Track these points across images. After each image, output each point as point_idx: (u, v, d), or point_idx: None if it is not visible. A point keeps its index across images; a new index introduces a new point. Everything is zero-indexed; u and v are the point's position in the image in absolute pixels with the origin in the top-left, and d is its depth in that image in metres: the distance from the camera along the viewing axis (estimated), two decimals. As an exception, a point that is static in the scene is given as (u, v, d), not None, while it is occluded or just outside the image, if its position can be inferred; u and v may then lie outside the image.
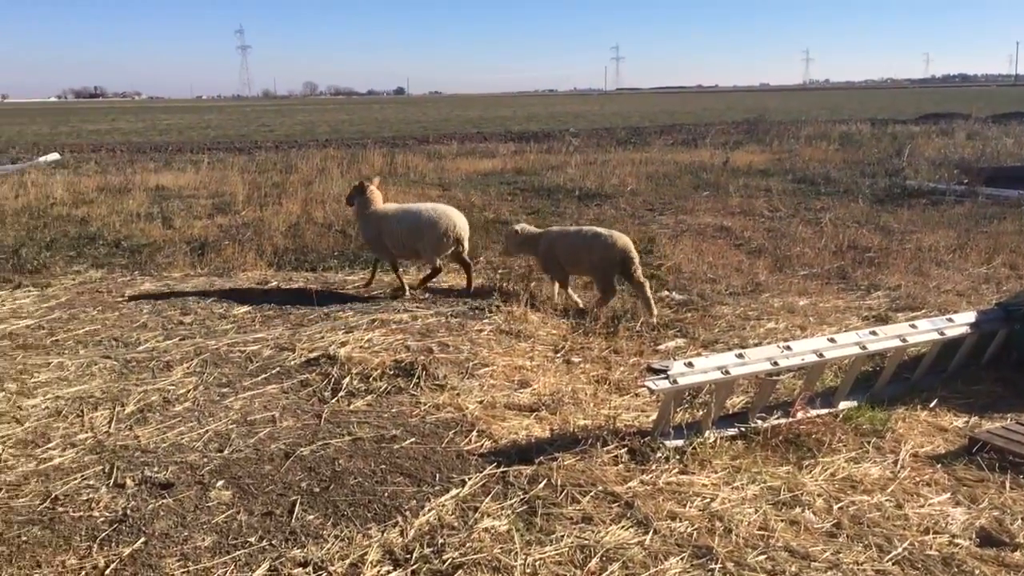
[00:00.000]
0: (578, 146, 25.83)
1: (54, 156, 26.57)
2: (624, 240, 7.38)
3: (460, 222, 7.82)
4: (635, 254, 7.36)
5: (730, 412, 4.95)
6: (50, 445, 4.50)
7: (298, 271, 9.23)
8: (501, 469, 4.19)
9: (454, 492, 3.98)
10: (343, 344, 6.14)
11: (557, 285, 7.73)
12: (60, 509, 3.78)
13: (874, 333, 5.11)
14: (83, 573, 3.29)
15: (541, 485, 4.02)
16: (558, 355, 6.18)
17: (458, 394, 5.25)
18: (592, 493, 3.94)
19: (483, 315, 7.02)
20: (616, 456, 4.34)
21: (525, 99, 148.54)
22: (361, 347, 6.07)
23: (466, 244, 7.96)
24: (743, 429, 4.69)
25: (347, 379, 5.43)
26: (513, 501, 3.88)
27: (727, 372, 4.52)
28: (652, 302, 7.20)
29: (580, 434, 4.56)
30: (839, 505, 3.91)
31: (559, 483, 4.03)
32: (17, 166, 23.37)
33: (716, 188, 15.39)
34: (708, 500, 3.91)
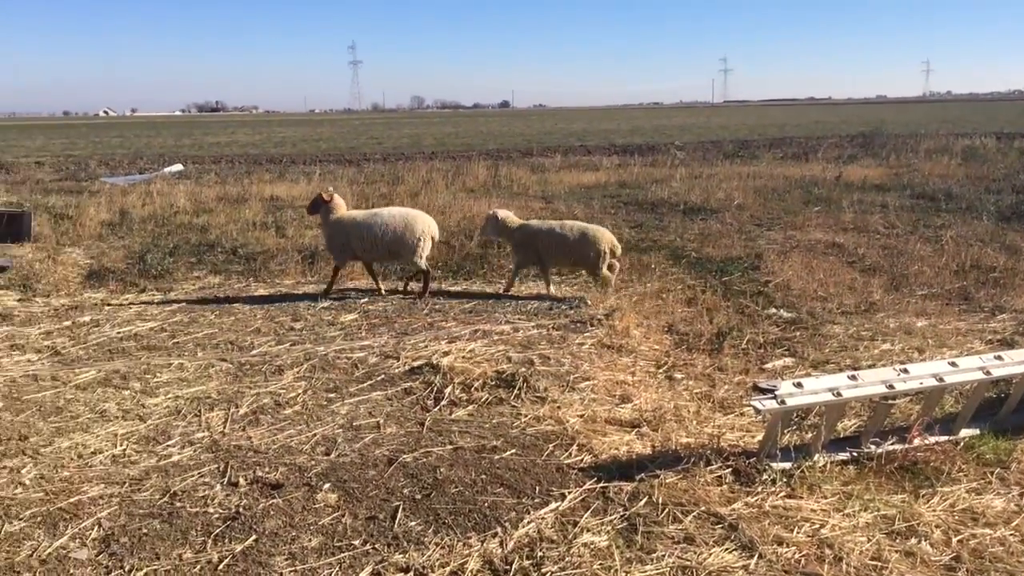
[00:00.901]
0: (683, 159, 25.49)
1: (178, 167, 27.98)
2: (608, 234, 8.46)
3: (431, 224, 8.45)
4: (618, 245, 8.46)
5: (841, 436, 4.77)
6: (170, 442, 4.72)
7: (401, 280, 9.42)
8: (601, 484, 4.16)
9: (554, 505, 3.97)
10: (446, 354, 6.22)
11: (515, 268, 8.73)
12: (178, 504, 3.96)
13: (999, 358, 4.83)
14: (198, 567, 3.43)
15: (642, 502, 3.96)
16: (660, 371, 6.09)
17: (559, 407, 5.24)
18: (695, 513, 3.87)
19: (584, 328, 7.00)
20: (720, 476, 4.24)
21: (630, 112, 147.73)
22: (463, 357, 6.14)
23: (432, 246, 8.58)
24: (855, 454, 4.51)
25: (449, 388, 5.50)
26: (613, 517, 3.84)
27: (839, 394, 4.36)
28: (612, 282, 8.43)
29: (682, 452, 4.48)
30: (959, 538, 3.71)
31: (660, 501, 3.97)
32: (144, 176, 24.72)
33: (828, 203, 14.90)
34: (817, 526, 3.78)
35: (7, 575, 3.37)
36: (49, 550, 3.56)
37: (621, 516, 3.86)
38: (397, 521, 3.80)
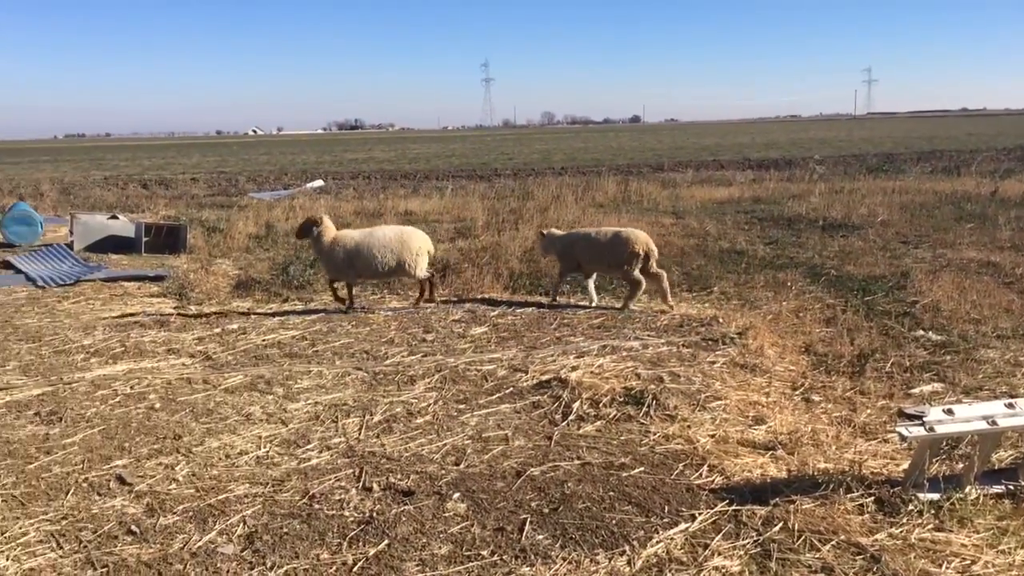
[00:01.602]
0: (823, 174, 24.59)
1: (319, 183, 29.26)
2: (644, 236, 8.53)
3: (427, 239, 8.80)
4: (654, 248, 8.51)
5: (996, 467, 4.46)
6: (309, 446, 4.92)
7: (532, 295, 9.49)
8: (733, 507, 4.04)
9: (683, 526, 3.89)
10: (574, 368, 6.22)
11: (558, 276, 9.13)
12: (316, 506, 4.12)
13: None
14: (334, 567, 3.55)
15: (776, 528, 3.83)
16: (797, 392, 5.88)
17: (689, 426, 5.14)
18: (833, 542, 3.70)
19: (716, 347, 6.84)
20: (861, 505, 4.05)
21: (765, 125, 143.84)
22: (592, 372, 6.12)
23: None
24: (1012, 487, 4.21)
25: (577, 403, 5.49)
26: (746, 542, 3.73)
27: (994, 423, 4.08)
28: (668, 292, 8.46)
29: (820, 478, 4.30)
30: None
31: (796, 528, 3.82)
32: (288, 191, 25.96)
33: (982, 220, 14.02)
34: (968, 562, 3.54)
35: (161, 565, 3.60)
36: (199, 544, 3.77)
37: (754, 541, 3.73)
38: (525, 534, 3.81)
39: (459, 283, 10.09)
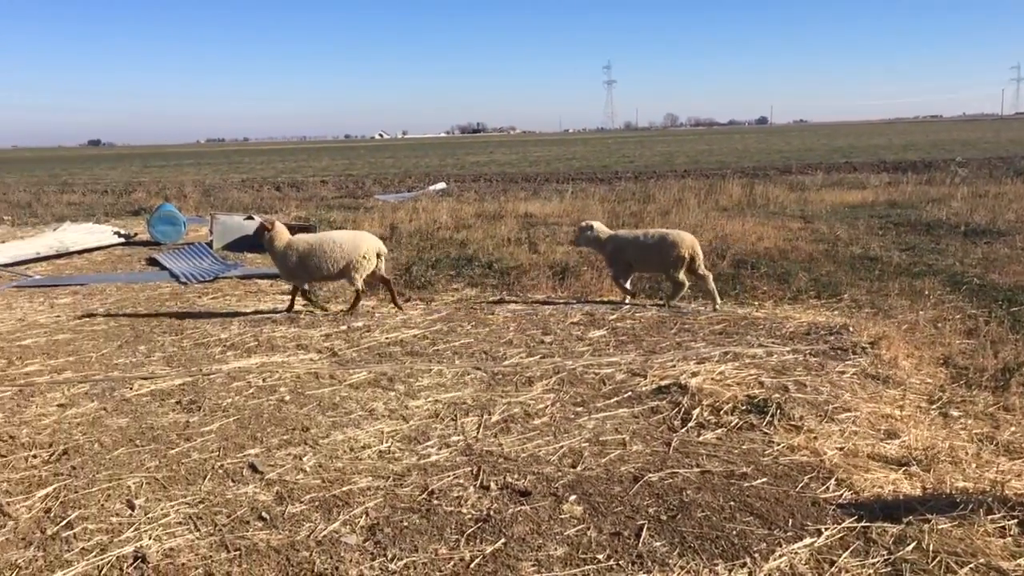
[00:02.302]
0: (965, 177, 23.24)
1: (441, 185, 29.83)
2: (689, 238, 8.76)
3: (377, 243, 8.95)
4: (700, 251, 8.75)
5: None
6: (429, 443, 5.02)
7: (651, 299, 9.38)
8: (863, 524, 3.86)
9: (808, 541, 3.75)
10: (694, 375, 6.10)
11: (614, 278, 9.24)
12: (435, 502, 4.20)
13: None
14: (451, 563, 3.61)
15: (909, 547, 3.64)
16: (933, 407, 5.57)
17: (815, 437, 4.95)
18: (971, 565, 3.48)
19: (846, 356, 6.57)
20: (1003, 527, 3.80)
21: (902, 126, 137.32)
22: (713, 379, 5.99)
23: (383, 263, 9.01)
24: None
25: (697, 410, 5.39)
26: (876, 560, 3.56)
27: None
28: (716, 293, 8.67)
29: (958, 497, 4.06)
30: None
31: (931, 548, 3.62)
32: (412, 194, 26.59)
33: None
34: None
35: (289, 551, 3.75)
36: (324, 532, 3.91)
37: (884, 560, 3.56)
38: (642, 540, 3.77)
39: (577, 286, 10.08)
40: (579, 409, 5.58)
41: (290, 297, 9.24)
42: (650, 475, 4.46)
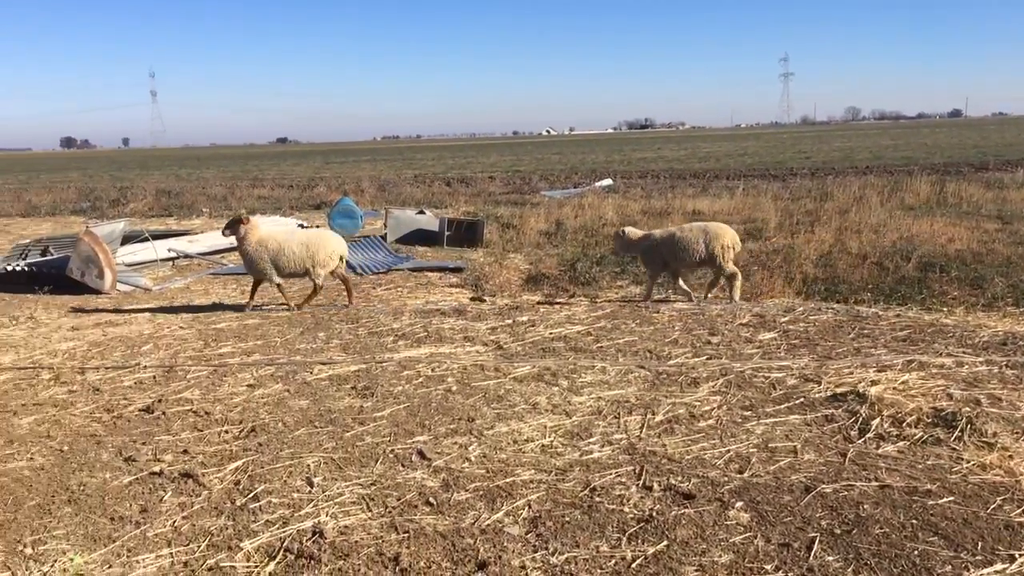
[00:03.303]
0: None
1: (607, 181, 29.76)
2: (728, 230, 9.10)
3: (341, 245, 9.39)
4: (739, 243, 9.13)
5: None
6: (591, 440, 5.01)
7: (827, 301, 8.95)
8: (1065, 554, 3.52)
9: (999, 567, 3.45)
10: (873, 383, 5.76)
11: (649, 278, 9.67)
12: (597, 499, 4.19)
13: None
14: (612, 561, 3.58)
15: (1122, 585, 3.28)
16: None
17: (1010, 456, 4.55)
18: None
19: (1049, 369, 6.00)
20: None
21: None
22: (895, 388, 5.64)
23: (343, 263, 9.48)
24: None
25: (876, 420, 5.09)
26: (1080, 596, 3.23)
27: None
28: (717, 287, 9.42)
29: None
30: None
31: None
32: (578, 190, 26.67)
33: None
34: None
35: (454, 536, 3.85)
36: (488, 521, 3.99)
37: (1091, 596, 3.23)
38: (813, 553, 3.60)
39: (747, 286, 9.78)
40: (747, 413, 5.40)
41: (251, 291, 9.55)
42: (823, 486, 4.25)
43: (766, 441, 4.90)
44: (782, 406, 5.49)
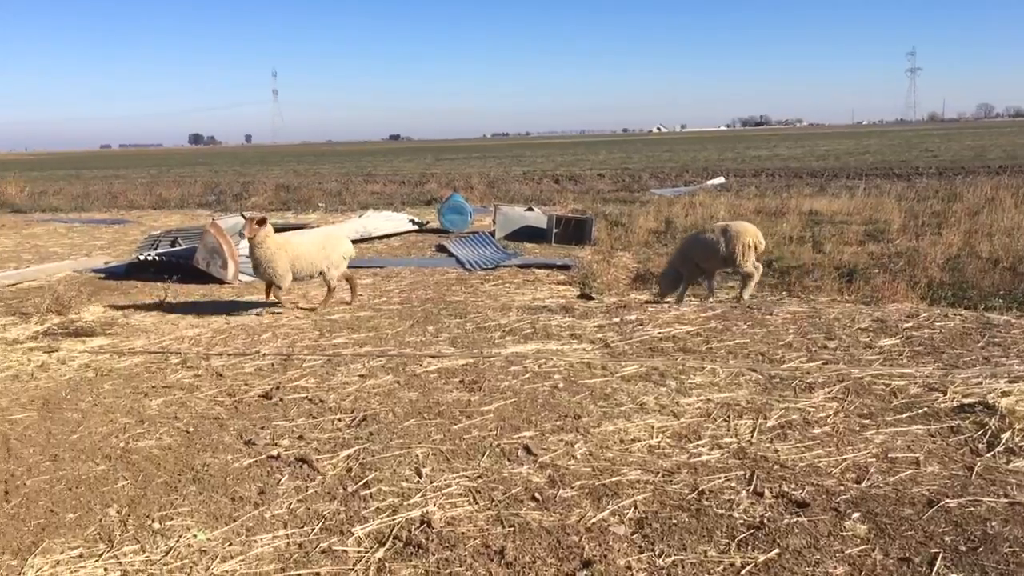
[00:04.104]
0: None
1: (719, 180, 29.17)
2: (751, 228, 9.14)
3: (349, 243, 9.53)
4: (763, 241, 9.15)
5: None
6: (700, 442, 4.92)
7: (954, 307, 8.51)
8: None
9: None
10: (1004, 394, 5.44)
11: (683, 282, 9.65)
12: (705, 503, 4.11)
13: None
14: (721, 567, 3.51)
15: None
16: None
17: None
18: None
19: None
20: None
21: None
22: (1028, 401, 5.30)
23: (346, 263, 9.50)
24: None
25: (1007, 434, 4.80)
26: None
27: None
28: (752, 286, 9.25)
29: None
30: None
31: None
32: (689, 188, 26.25)
33: None
34: None
35: (559, 533, 3.85)
36: (593, 520, 3.97)
37: None
38: (936, 570, 3.42)
39: (867, 289, 9.41)
40: (865, 421, 5.18)
41: (269, 295, 9.31)
42: (947, 500, 4.04)
43: (886, 451, 4.70)
44: (904, 415, 5.25)
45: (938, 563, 3.47)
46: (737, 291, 9.52)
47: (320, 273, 9.26)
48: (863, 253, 12.03)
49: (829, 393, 5.72)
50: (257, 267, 8.88)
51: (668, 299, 9.53)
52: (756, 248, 9.07)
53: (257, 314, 9.09)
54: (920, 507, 3.99)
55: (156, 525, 4.10)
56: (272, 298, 9.25)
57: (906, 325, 7.53)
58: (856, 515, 3.92)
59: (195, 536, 3.96)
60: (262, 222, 8.89)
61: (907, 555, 3.55)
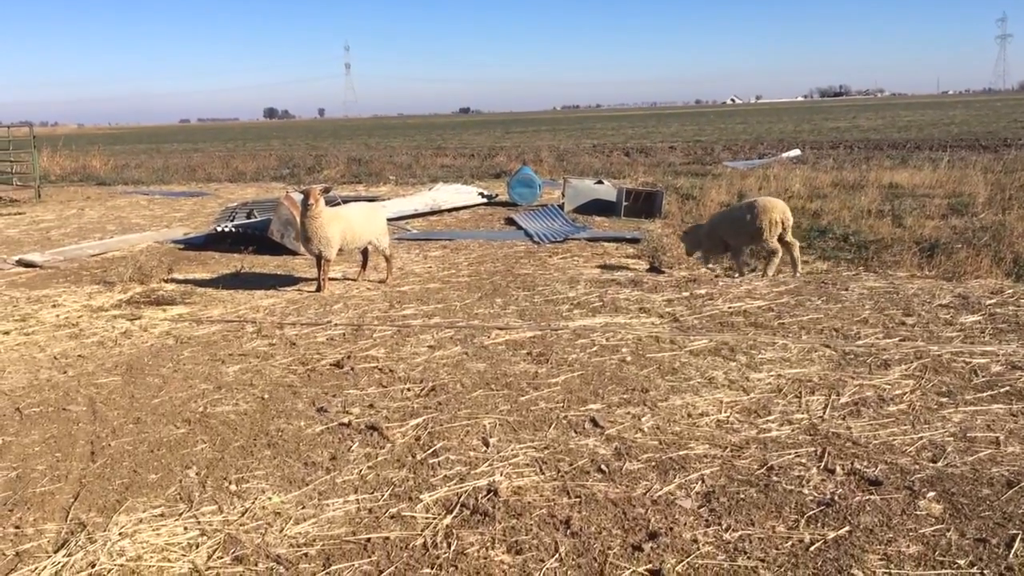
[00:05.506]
0: None
1: (795, 152, 28.43)
2: (780, 204, 9.12)
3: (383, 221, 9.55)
4: (790, 217, 9.09)
5: None
6: (770, 418, 4.86)
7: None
8: None
9: None
10: (1094, 374, 5.22)
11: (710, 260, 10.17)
12: (774, 478, 4.06)
13: None
14: (789, 543, 3.47)
15: None
16: None
17: None
18: None
19: None
20: None
21: None
22: (1120, 381, 5.08)
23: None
24: None
25: (1096, 415, 4.61)
26: None
27: None
28: (799, 261, 9.22)
29: None
30: None
31: None
32: (763, 160, 25.67)
33: None
34: None
35: (625, 505, 3.85)
36: (660, 492, 3.96)
37: None
38: (1014, 551, 3.32)
39: (948, 265, 9.10)
40: (943, 400, 5.04)
41: (322, 272, 9.03)
42: (1029, 482, 3.92)
43: (964, 430, 4.57)
44: (984, 394, 5.09)
45: (1016, 544, 3.37)
46: (763, 268, 9.43)
47: (368, 244, 9.38)
48: (945, 227, 11.61)
49: (906, 370, 5.58)
50: (310, 239, 8.72)
51: (711, 265, 10.08)
52: (783, 224, 8.98)
53: (313, 291, 9.26)
54: (999, 488, 3.88)
55: (233, 487, 4.25)
56: (323, 275, 9.00)
57: (989, 302, 7.27)
58: (931, 494, 3.83)
59: (270, 499, 4.09)
60: (326, 191, 9.04)
61: (984, 536, 3.46)
